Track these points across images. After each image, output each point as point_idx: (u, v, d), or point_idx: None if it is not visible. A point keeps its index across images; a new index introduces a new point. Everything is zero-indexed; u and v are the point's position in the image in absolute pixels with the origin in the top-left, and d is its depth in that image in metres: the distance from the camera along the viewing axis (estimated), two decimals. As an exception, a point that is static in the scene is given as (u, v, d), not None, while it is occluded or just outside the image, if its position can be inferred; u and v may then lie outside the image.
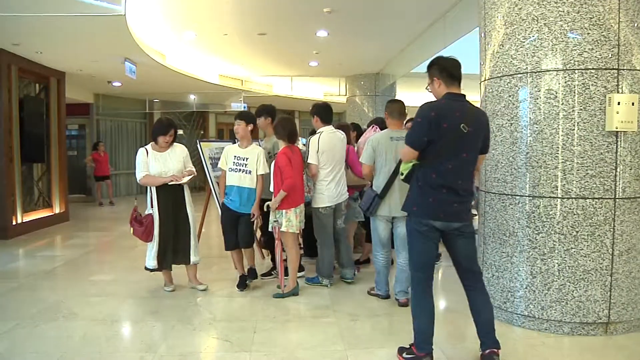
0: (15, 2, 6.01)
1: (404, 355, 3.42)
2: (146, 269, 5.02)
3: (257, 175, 5.04)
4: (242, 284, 5.18)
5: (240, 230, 5.09)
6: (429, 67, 3.39)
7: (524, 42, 3.94)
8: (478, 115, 3.29)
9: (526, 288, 4.00)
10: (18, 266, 6.75)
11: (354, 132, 6.27)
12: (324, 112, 5.31)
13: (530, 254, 3.97)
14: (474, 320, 3.36)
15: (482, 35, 4.42)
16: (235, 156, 5.06)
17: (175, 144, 5.09)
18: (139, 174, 4.91)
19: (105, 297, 5.05)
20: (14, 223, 8.44)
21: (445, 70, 3.29)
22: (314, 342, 3.85)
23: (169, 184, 4.88)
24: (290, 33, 8.62)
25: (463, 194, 3.24)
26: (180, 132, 16.36)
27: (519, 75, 3.98)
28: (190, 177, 4.99)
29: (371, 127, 6.03)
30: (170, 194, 4.96)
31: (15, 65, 8.54)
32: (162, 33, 8.71)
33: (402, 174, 3.45)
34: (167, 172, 4.91)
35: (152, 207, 4.96)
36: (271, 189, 4.96)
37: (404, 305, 4.60)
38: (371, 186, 4.85)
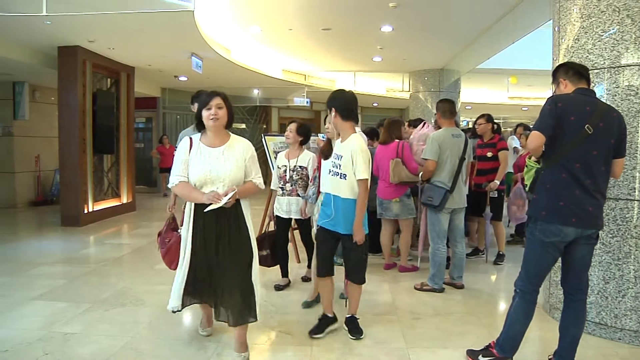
0: (92, 1, 6.25)
1: (480, 358, 3.34)
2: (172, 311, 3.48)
3: (356, 181, 3.65)
4: (321, 328, 3.86)
5: (348, 258, 3.88)
6: (554, 72, 3.29)
7: (602, 35, 3.76)
8: (609, 112, 3.06)
9: (598, 294, 3.82)
10: (89, 252, 7.04)
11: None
12: None
13: (603, 258, 3.79)
14: (560, 329, 3.22)
15: (556, 29, 4.25)
16: (334, 153, 3.80)
17: (237, 137, 3.47)
18: (173, 178, 3.34)
19: (169, 285, 5.13)
20: (85, 211, 8.83)
21: (572, 68, 3.16)
22: (375, 340, 3.81)
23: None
24: (355, 28, 8.56)
25: (596, 195, 3.01)
26: (242, 125, 16.88)
27: (596, 71, 3.79)
28: (230, 196, 3.16)
29: (423, 124, 5.97)
30: (213, 211, 3.20)
31: (90, 61, 8.93)
32: (228, 28, 8.85)
33: (525, 185, 3.35)
34: (215, 180, 3.26)
35: (185, 225, 3.40)
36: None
37: (460, 288, 5.09)
38: (427, 182, 5.02)
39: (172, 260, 3.75)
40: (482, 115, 6.30)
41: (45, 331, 3.90)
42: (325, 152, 4.36)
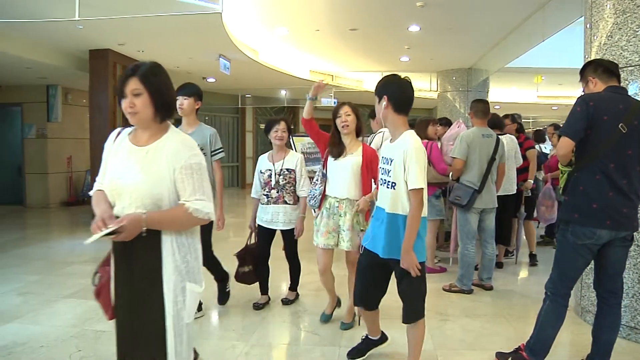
0: (122, 5, 6.39)
1: None
2: None
3: (407, 190, 2.89)
4: (361, 351, 3.53)
5: (401, 288, 3.11)
6: (582, 70, 3.21)
7: (637, 31, 3.67)
8: None
9: (632, 297, 3.73)
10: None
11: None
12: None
13: (638, 260, 3.70)
14: (593, 334, 3.16)
15: (588, 26, 4.17)
16: (383, 157, 3.06)
17: (175, 133, 2.26)
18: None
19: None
20: (115, 211, 8.95)
21: (601, 66, 3.09)
22: (402, 341, 3.76)
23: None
24: (382, 28, 8.53)
25: (631, 196, 2.94)
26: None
27: (630, 69, 3.71)
28: (108, 230, 2.05)
29: (456, 123, 5.95)
30: (126, 248, 2.22)
31: (120, 64, 9.06)
32: (255, 29, 8.90)
33: (560, 188, 3.29)
34: (122, 193, 2.18)
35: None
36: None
37: (489, 289, 5.05)
38: (457, 181, 5.02)
39: (106, 305, 2.38)
40: (507, 116, 6.24)
41: (78, 328, 3.98)
42: (335, 150, 3.91)
